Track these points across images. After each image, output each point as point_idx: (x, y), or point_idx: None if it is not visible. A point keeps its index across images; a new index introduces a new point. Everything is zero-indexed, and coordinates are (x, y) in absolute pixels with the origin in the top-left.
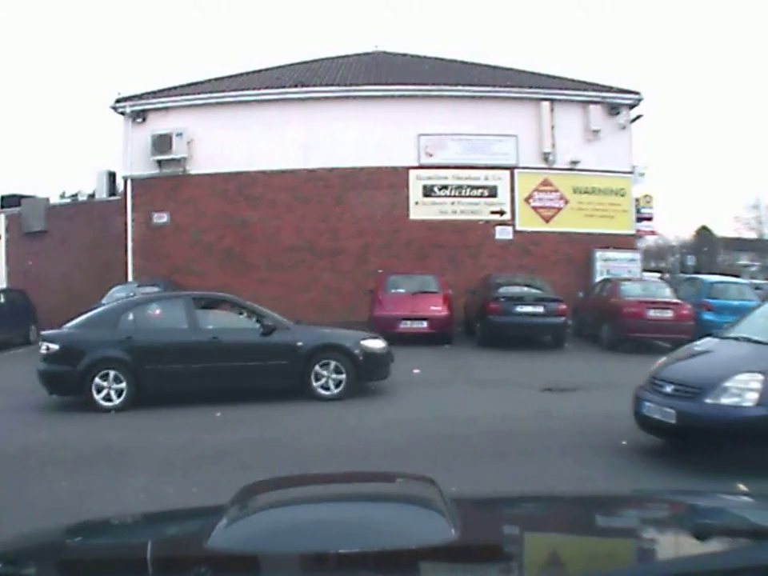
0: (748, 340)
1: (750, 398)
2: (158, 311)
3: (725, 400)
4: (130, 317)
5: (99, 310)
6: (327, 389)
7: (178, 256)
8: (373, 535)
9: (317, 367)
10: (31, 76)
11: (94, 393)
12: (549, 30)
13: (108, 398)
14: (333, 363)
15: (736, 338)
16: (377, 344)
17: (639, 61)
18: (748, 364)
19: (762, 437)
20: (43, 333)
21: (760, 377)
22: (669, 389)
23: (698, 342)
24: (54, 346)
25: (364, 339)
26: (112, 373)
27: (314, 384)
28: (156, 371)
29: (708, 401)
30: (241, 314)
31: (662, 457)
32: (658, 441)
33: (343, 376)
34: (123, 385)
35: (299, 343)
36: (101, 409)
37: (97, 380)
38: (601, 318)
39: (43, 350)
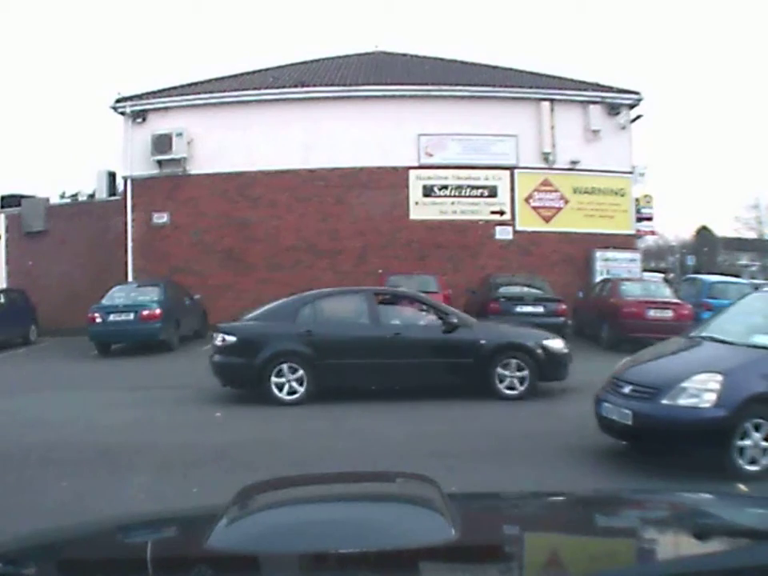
0: (713, 339)
1: (708, 399)
2: (337, 305)
3: (681, 401)
4: (309, 310)
5: (277, 303)
6: (512, 388)
7: (178, 256)
8: (373, 535)
9: (499, 366)
10: (31, 76)
11: (273, 386)
12: (549, 30)
13: (286, 392)
14: (514, 362)
15: (702, 338)
16: (557, 344)
17: (639, 61)
18: (708, 364)
19: (719, 439)
20: (219, 324)
21: (719, 377)
22: (627, 389)
23: (664, 342)
24: (231, 338)
25: (546, 339)
26: (291, 366)
27: (498, 384)
28: (336, 366)
29: (664, 401)
30: (422, 310)
31: (626, 459)
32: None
33: (526, 373)
34: (302, 378)
35: (482, 341)
36: (278, 402)
37: (275, 373)
38: (601, 317)
39: (219, 342)
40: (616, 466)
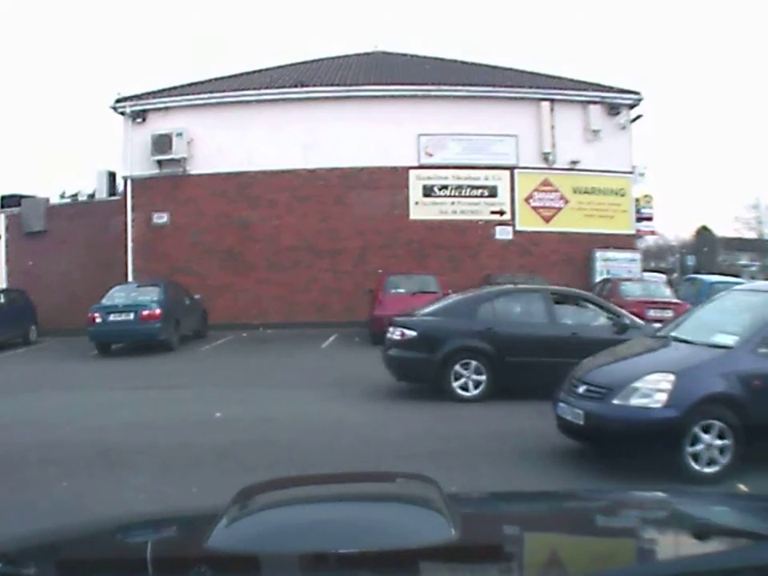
0: (677, 339)
1: (659, 399)
2: (516, 303)
3: (632, 401)
4: (489, 307)
5: (455, 299)
6: None
7: (178, 256)
8: (373, 535)
9: None
10: (32, 76)
11: (453, 382)
12: (549, 30)
13: (465, 388)
14: None
15: (667, 338)
16: None
17: (639, 61)
18: (663, 364)
19: (670, 440)
20: (397, 319)
21: (671, 377)
22: (582, 389)
23: (629, 342)
24: (411, 333)
25: None
26: (473, 363)
27: None
28: (516, 363)
29: (615, 401)
30: (594, 310)
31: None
32: None
33: None
34: (482, 375)
35: None
36: (457, 398)
37: (456, 369)
38: None
39: (397, 336)
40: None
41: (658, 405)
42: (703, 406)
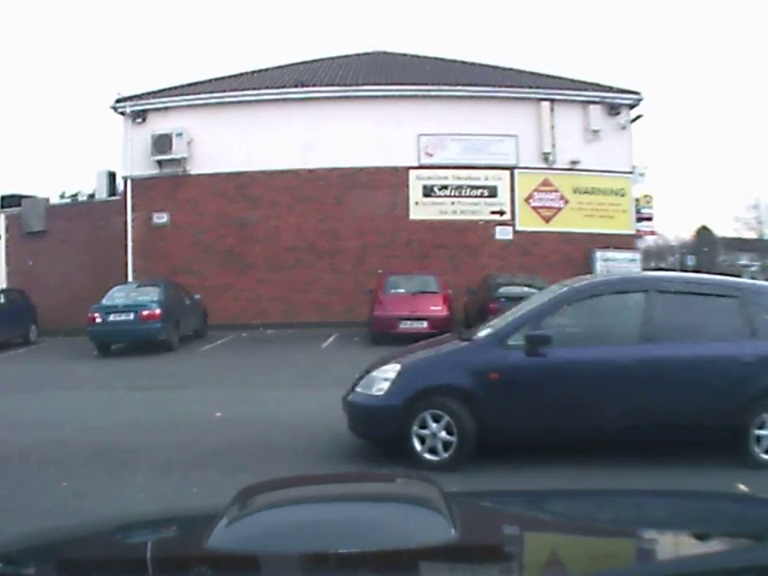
0: (464, 335)
1: (382, 388)
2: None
3: (363, 389)
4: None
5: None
6: None
7: (177, 256)
8: (373, 535)
9: None
10: (32, 76)
11: None
12: (549, 30)
13: None
14: None
15: (460, 333)
16: None
17: (639, 61)
18: (409, 356)
19: (394, 425)
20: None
21: (398, 367)
22: (357, 379)
23: (434, 339)
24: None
25: None
26: None
27: None
28: None
29: (357, 389)
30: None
31: None
32: None
33: None
34: None
35: None
36: None
37: None
38: None
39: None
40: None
41: (380, 393)
42: (426, 397)
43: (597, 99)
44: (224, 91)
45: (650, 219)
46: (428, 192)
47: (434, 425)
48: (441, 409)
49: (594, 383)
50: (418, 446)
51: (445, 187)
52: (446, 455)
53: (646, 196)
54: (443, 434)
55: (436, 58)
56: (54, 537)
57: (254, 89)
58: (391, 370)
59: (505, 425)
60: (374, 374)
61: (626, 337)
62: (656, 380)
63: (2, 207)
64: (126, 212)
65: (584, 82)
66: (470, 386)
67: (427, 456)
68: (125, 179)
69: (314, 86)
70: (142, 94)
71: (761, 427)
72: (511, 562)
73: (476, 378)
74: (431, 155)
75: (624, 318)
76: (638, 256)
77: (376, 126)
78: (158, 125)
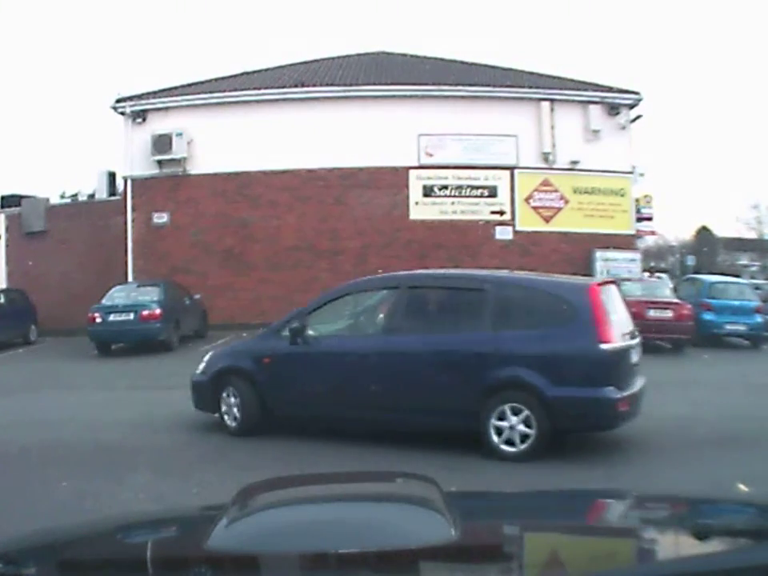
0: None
1: (200, 368)
2: None
3: (195, 371)
4: None
5: None
6: None
7: (177, 256)
8: (373, 535)
9: None
10: (32, 76)
11: None
12: (549, 30)
13: None
14: None
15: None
16: None
17: (639, 61)
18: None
19: (208, 395)
20: None
21: (210, 353)
22: None
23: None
24: None
25: None
26: None
27: None
28: None
29: (196, 371)
30: None
31: None
32: None
33: None
34: None
35: None
36: None
37: None
38: None
39: None
40: None
41: (198, 372)
42: (223, 375)
43: (597, 99)
44: (224, 91)
45: (650, 219)
46: (428, 192)
47: (232, 399)
48: (232, 385)
49: (342, 369)
50: (224, 413)
51: (445, 187)
52: (234, 424)
53: (646, 196)
54: (235, 407)
55: (436, 58)
56: (54, 537)
57: (254, 89)
58: (207, 355)
59: (279, 400)
60: (205, 357)
61: (372, 329)
62: (397, 369)
63: (2, 207)
64: (125, 212)
65: (584, 82)
66: (251, 369)
67: (227, 420)
68: (125, 179)
69: (314, 85)
70: (142, 94)
71: (501, 418)
72: (511, 562)
73: (255, 362)
74: (431, 155)
75: (374, 313)
76: (638, 256)
77: (376, 126)
78: (158, 125)
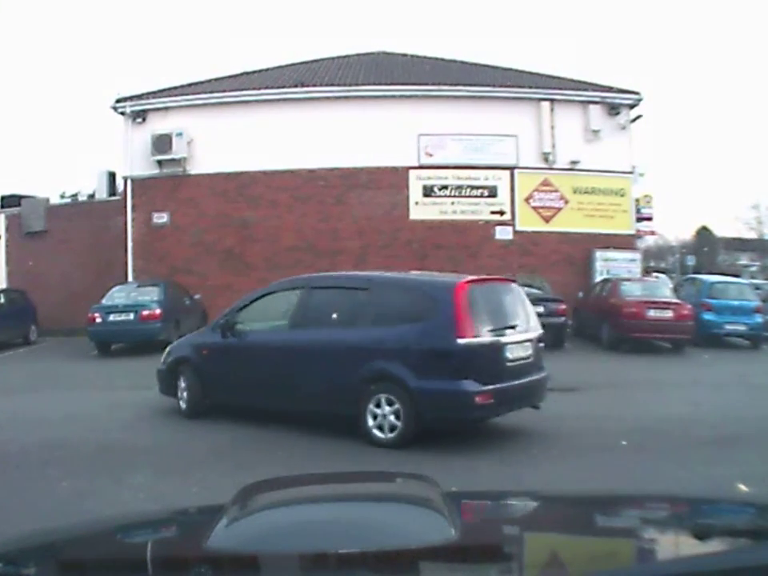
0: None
1: (162, 358)
2: None
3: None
4: None
5: None
6: None
7: (177, 256)
8: (373, 535)
9: None
10: (32, 76)
11: None
12: (549, 30)
13: None
14: None
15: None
16: None
17: (639, 61)
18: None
19: (170, 380)
20: None
21: (170, 345)
22: None
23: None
24: None
25: None
26: None
27: None
28: None
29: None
30: None
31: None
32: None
33: None
34: None
35: None
36: None
37: None
38: (601, 317)
39: None
40: None
41: (161, 361)
42: (176, 365)
43: (597, 99)
44: (224, 91)
45: (649, 219)
46: (428, 192)
47: (182, 384)
48: (182, 374)
49: (257, 361)
50: (179, 398)
51: (445, 187)
52: (185, 407)
53: (645, 196)
54: (185, 392)
55: (436, 58)
56: (54, 537)
57: (254, 89)
58: (169, 347)
59: (215, 386)
60: (167, 348)
61: (282, 324)
62: (297, 359)
63: (2, 207)
64: (125, 212)
65: (584, 82)
66: (194, 358)
67: (181, 404)
68: (125, 179)
69: (314, 85)
70: (142, 94)
71: (377, 406)
72: (511, 562)
73: (197, 353)
74: (431, 155)
75: (286, 310)
76: (638, 256)
77: (376, 126)
78: (158, 125)
